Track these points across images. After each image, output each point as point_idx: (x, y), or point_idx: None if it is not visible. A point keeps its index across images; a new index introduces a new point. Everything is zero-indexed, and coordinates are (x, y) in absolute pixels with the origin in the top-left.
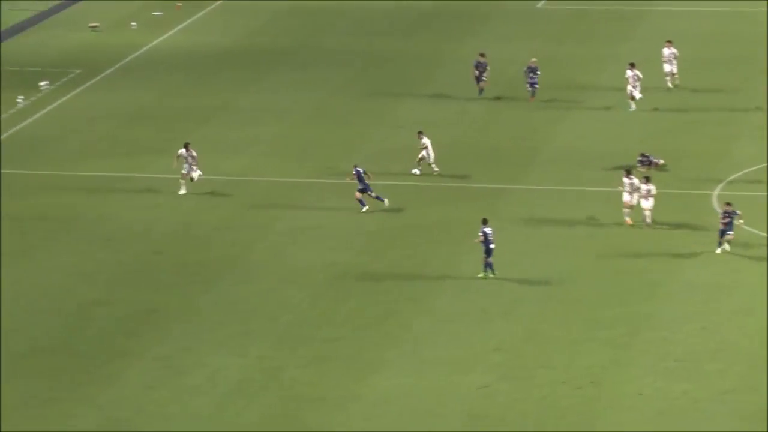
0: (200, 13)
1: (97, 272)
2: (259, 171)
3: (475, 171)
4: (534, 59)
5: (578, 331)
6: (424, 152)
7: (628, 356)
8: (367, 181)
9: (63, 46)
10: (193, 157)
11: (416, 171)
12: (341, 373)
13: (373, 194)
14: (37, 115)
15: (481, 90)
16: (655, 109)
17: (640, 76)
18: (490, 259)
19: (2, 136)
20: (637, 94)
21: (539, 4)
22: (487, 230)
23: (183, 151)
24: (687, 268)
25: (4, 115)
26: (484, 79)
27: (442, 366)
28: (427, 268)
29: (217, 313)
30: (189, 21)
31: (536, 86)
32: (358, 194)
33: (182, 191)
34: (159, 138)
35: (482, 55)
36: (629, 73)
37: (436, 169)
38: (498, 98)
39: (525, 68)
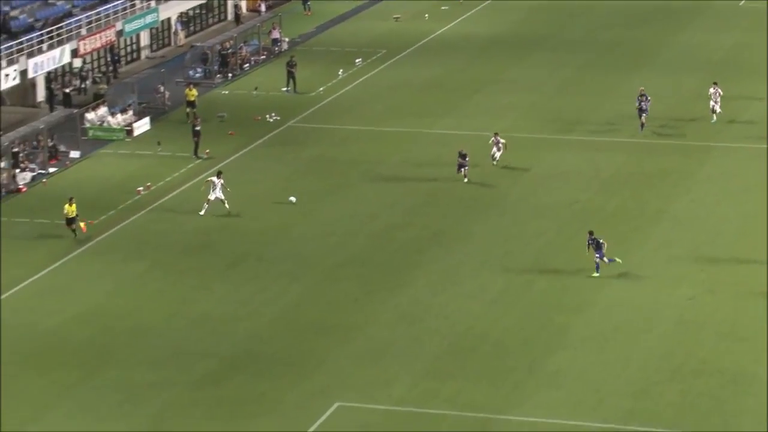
0: (476, 8)
1: (396, 203)
2: (518, 130)
3: (688, 132)
4: (642, 88)
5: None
6: (495, 150)
7: None
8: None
9: (373, 32)
10: (222, 185)
11: (494, 162)
12: (579, 286)
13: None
14: (353, 84)
15: (643, 125)
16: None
17: (721, 93)
18: (605, 259)
19: (327, 100)
20: (718, 108)
21: (741, 3)
22: (598, 240)
23: (215, 178)
24: None
25: (328, 84)
26: (646, 112)
27: (657, 282)
28: (646, 206)
29: (484, 238)
30: (468, 14)
31: (646, 113)
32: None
33: (202, 212)
34: (443, 103)
35: (643, 92)
36: (711, 90)
37: (494, 163)
38: (658, 133)
39: (637, 97)
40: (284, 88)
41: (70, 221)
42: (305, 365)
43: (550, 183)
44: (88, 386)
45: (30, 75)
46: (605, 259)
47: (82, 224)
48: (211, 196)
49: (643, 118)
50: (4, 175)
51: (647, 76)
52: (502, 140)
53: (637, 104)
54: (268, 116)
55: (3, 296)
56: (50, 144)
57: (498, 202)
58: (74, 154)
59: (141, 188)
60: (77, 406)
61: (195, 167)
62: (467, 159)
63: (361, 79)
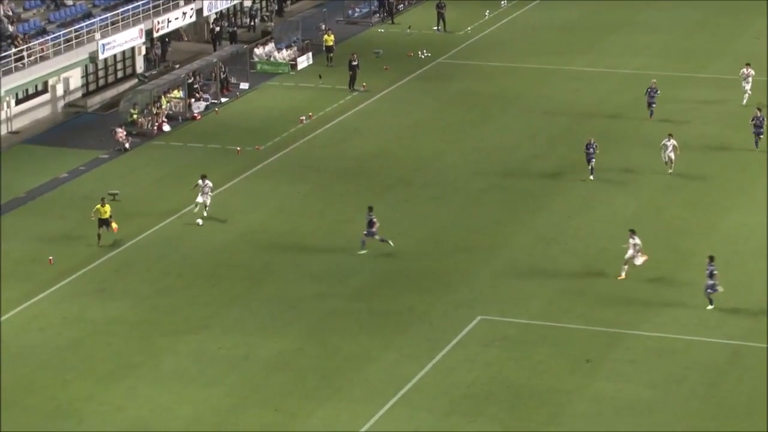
0: None
1: (536, 135)
2: (652, 68)
3: None
4: (654, 80)
5: None
6: (668, 154)
7: None
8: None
9: None
10: (209, 187)
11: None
12: (705, 213)
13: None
14: (497, 25)
15: (652, 113)
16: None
17: (753, 73)
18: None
19: (473, 39)
20: (748, 89)
21: None
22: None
23: (200, 181)
24: None
25: (475, 24)
26: (655, 103)
27: None
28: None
29: (617, 168)
30: None
31: (654, 106)
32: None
33: (199, 221)
34: (580, 42)
35: (654, 82)
36: (744, 70)
37: (670, 171)
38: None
39: (647, 89)
40: (435, 28)
41: (103, 222)
42: (450, 281)
43: (680, 117)
44: (254, 296)
45: (205, 13)
46: (377, 237)
47: (114, 225)
48: (199, 199)
49: (652, 108)
50: (181, 103)
51: None
52: (674, 142)
53: (647, 97)
54: (419, 53)
55: (180, 213)
56: (222, 76)
57: (630, 135)
58: (243, 85)
59: (303, 117)
60: (245, 313)
61: (352, 99)
62: (595, 151)
63: (505, 20)
